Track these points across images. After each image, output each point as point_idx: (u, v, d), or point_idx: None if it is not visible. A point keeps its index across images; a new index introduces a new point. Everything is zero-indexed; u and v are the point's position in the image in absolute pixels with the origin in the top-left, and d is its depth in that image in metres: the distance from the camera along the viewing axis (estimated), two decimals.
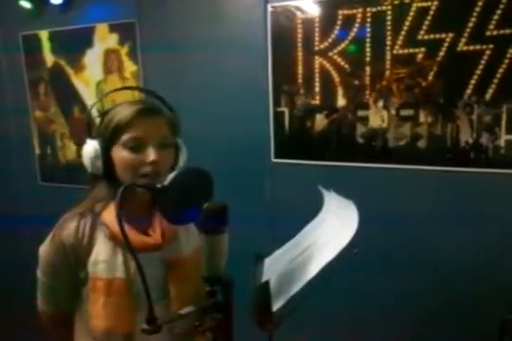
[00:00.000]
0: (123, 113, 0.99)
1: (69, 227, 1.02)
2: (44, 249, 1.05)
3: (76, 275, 1.02)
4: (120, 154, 0.99)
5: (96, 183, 1.05)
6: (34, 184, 2.65)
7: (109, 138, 0.99)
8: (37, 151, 2.63)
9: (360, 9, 1.78)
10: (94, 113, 1.05)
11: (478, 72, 1.65)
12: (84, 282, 1.02)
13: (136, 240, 0.99)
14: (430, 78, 1.73)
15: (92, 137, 1.01)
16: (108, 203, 1.03)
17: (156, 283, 1.03)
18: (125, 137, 0.98)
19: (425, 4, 1.69)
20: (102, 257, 1.00)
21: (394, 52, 1.76)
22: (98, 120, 1.03)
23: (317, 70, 1.90)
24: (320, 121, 1.94)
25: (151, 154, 0.97)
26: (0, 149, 2.65)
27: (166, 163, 1.02)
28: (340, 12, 1.82)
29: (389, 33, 1.76)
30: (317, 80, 1.91)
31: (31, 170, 2.64)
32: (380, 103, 1.82)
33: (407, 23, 1.72)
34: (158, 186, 0.83)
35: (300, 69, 1.93)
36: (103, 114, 1.02)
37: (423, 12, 1.69)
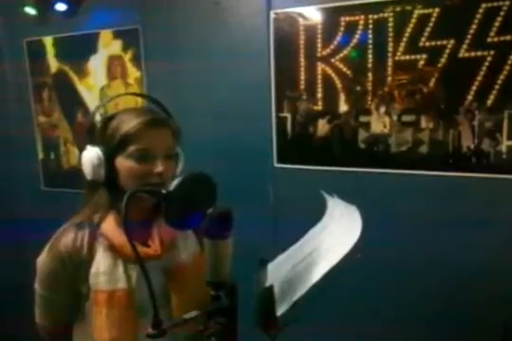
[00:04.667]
0: (130, 123, 0.98)
1: (67, 238, 1.00)
2: (41, 261, 1.03)
3: (76, 288, 1.01)
4: (126, 164, 0.98)
5: (95, 190, 1.04)
6: (37, 189, 2.65)
7: (115, 147, 0.98)
8: (40, 156, 2.64)
9: (362, 16, 1.80)
10: (97, 118, 1.03)
11: (479, 78, 1.66)
12: (86, 297, 1.00)
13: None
14: (432, 84, 1.74)
15: (94, 144, 1.00)
16: (107, 213, 1.02)
17: (158, 292, 1.03)
18: (132, 148, 0.97)
19: (426, 11, 1.70)
20: (103, 268, 0.99)
21: (396, 58, 1.78)
22: (99, 126, 1.02)
23: (319, 76, 1.92)
24: (323, 127, 1.95)
25: (159, 166, 0.98)
26: (3, 153, 2.66)
27: (171, 173, 1.02)
28: (342, 19, 1.84)
29: (390, 40, 1.77)
30: (319, 85, 1.92)
31: (34, 175, 2.65)
32: (382, 109, 1.83)
33: (408, 29, 1.74)
34: (163, 191, 0.84)
35: (302, 75, 1.94)
36: (106, 120, 1.02)
37: (424, 19, 1.71)
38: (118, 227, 0.98)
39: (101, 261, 1.00)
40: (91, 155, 0.98)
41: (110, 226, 1.00)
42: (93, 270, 0.99)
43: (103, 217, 1.02)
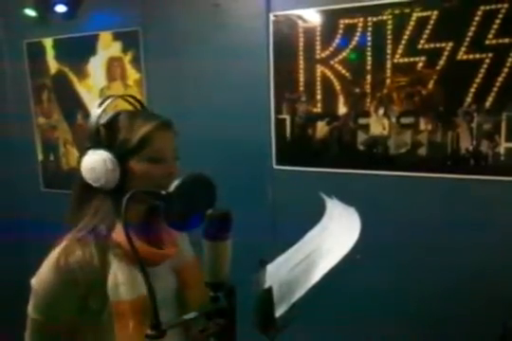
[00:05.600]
0: (145, 127, 0.96)
1: (75, 255, 0.94)
2: (44, 281, 0.95)
3: (84, 303, 0.94)
4: (141, 167, 0.96)
5: (93, 198, 0.99)
6: (37, 190, 2.66)
7: (129, 151, 0.95)
8: (40, 157, 2.65)
9: (361, 19, 1.81)
10: (99, 122, 1.00)
11: (477, 80, 1.67)
12: (99, 311, 0.94)
13: (152, 253, 0.98)
14: (431, 86, 1.75)
15: (99, 148, 0.95)
16: (114, 222, 0.97)
17: (172, 291, 1.04)
18: (148, 151, 0.96)
19: (425, 13, 1.71)
20: (122, 279, 0.94)
21: (395, 61, 1.78)
22: (105, 130, 0.97)
23: (318, 78, 1.92)
24: (322, 129, 1.95)
25: (173, 167, 0.98)
26: (3, 155, 2.67)
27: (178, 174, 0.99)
28: (341, 21, 1.84)
29: (389, 42, 1.78)
30: (318, 87, 1.93)
31: (34, 177, 2.66)
32: (381, 111, 1.84)
33: (407, 32, 1.75)
34: (163, 192, 0.84)
35: (301, 77, 1.95)
36: (111, 123, 0.97)
37: (423, 22, 1.71)
38: (130, 235, 0.96)
39: (119, 272, 0.95)
40: (102, 160, 0.94)
41: (123, 235, 0.92)
42: (110, 281, 0.94)
43: (111, 226, 0.97)
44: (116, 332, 0.93)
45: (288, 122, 2.01)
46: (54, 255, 0.96)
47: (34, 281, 0.96)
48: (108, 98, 1.01)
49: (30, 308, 0.97)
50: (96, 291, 0.94)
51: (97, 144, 0.96)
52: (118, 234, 0.95)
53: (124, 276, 0.95)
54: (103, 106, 0.98)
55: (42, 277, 0.95)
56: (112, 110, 1.01)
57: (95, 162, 0.95)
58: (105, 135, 0.97)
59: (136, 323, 0.92)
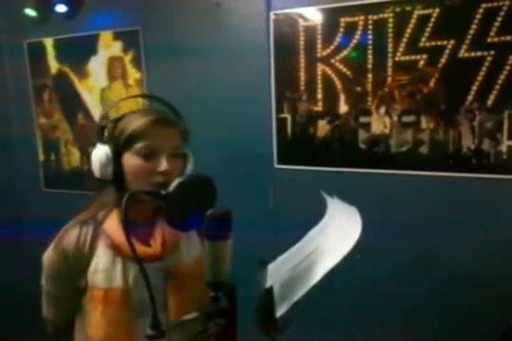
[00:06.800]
0: (138, 121, 0.99)
1: (71, 236, 1.02)
2: (47, 257, 1.05)
3: (77, 283, 1.03)
4: (132, 161, 0.99)
5: (103, 188, 1.06)
6: (38, 190, 2.66)
7: (122, 145, 0.99)
8: (41, 157, 2.65)
9: (362, 17, 1.80)
10: (106, 118, 1.04)
11: (479, 78, 1.66)
12: (84, 291, 1.02)
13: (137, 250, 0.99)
14: (432, 84, 1.74)
15: (103, 143, 1.01)
16: (111, 210, 1.03)
17: (156, 293, 1.03)
18: (139, 145, 0.98)
19: (426, 11, 1.70)
20: (101, 266, 1.00)
21: (396, 59, 1.78)
22: (109, 127, 1.03)
23: (319, 77, 1.92)
24: (323, 127, 1.95)
25: (163, 164, 0.98)
26: (4, 155, 2.67)
27: (176, 172, 1.01)
28: (342, 20, 1.84)
29: (390, 40, 1.77)
30: (319, 86, 1.92)
31: (35, 177, 2.65)
32: (382, 110, 1.83)
33: (408, 30, 1.74)
34: (163, 192, 0.84)
35: (302, 76, 1.94)
36: (115, 121, 1.03)
37: (424, 19, 1.71)
38: (121, 225, 0.99)
39: (101, 258, 1.01)
40: (100, 153, 1.00)
41: (112, 224, 1.01)
42: (92, 266, 1.01)
43: (107, 214, 1.03)
44: (87, 313, 1.01)
45: (289, 121, 2.00)
46: (57, 237, 1.05)
47: (44, 256, 1.06)
48: (126, 97, 1.07)
49: (42, 279, 1.08)
50: (82, 271, 1.02)
51: (100, 139, 1.02)
52: (109, 223, 1.02)
53: (104, 264, 1.01)
54: (114, 105, 1.03)
55: (47, 254, 1.06)
56: (114, 111, 1.06)
57: (94, 155, 1.01)
58: (108, 132, 1.03)
59: (103, 307, 0.99)
